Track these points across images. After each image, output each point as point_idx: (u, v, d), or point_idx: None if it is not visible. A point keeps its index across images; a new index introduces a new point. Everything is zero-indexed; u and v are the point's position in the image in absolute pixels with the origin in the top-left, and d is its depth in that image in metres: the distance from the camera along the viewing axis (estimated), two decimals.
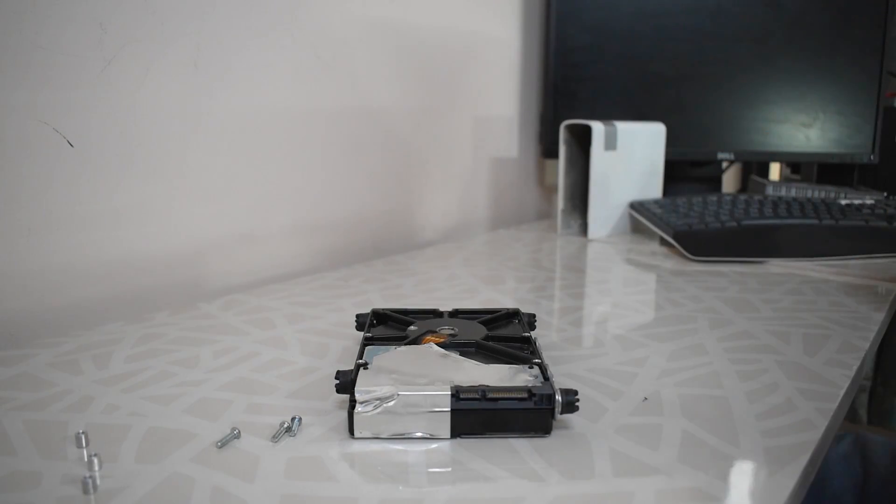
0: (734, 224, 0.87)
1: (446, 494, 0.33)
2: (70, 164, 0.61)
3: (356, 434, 0.39)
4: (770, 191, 1.23)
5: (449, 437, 0.39)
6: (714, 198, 1.04)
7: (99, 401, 0.44)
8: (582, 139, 1.07)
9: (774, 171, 1.90)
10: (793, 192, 1.21)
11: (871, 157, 1.23)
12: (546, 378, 0.41)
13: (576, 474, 0.35)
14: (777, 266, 0.85)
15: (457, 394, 0.38)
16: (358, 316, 0.54)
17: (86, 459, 0.36)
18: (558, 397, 0.39)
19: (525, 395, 0.39)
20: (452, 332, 0.49)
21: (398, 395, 0.38)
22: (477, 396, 0.39)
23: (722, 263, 0.86)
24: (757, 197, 1.04)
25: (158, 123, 0.68)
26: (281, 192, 0.82)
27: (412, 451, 0.38)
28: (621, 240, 1.02)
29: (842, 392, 0.46)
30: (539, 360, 0.43)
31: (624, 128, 1.03)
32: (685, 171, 1.30)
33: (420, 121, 1.02)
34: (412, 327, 0.50)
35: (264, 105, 0.78)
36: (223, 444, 0.38)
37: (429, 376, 0.40)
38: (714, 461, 0.37)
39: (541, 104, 1.29)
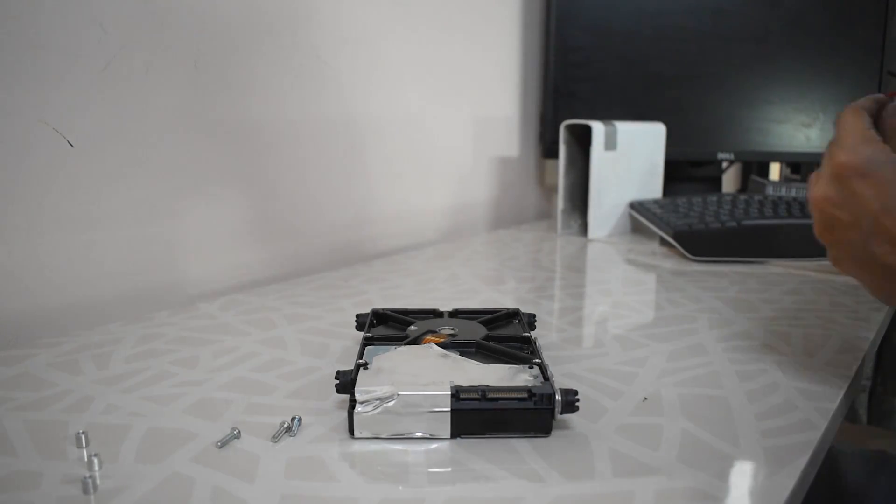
0: (734, 224, 0.87)
1: (446, 494, 0.33)
2: (70, 164, 0.61)
3: (356, 434, 0.39)
4: (770, 191, 1.23)
5: (449, 437, 0.39)
6: (714, 198, 1.04)
7: (99, 401, 0.44)
8: (582, 139, 1.07)
9: (774, 171, 1.90)
10: (793, 192, 1.21)
11: None
12: (546, 378, 0.41)
13: (576, 474, 0.35)
14: (777, 266, 0.85)
15: (457, 394, 0.38)
16: (358, 316, 0.54)
17: (86, 459, 0.36)
18: (558, 397, 0.39)
19: (525, 395, 0.39)
20: (452, 332, 0.49)
21: (398, 395, 0.38)
22: (477, 396, 0.39)
23: (722, 263, 0.86)
24: (757, 197, 1.04)
25: (158, 123, 0.68)
26: (280, 191, 0.82)
27: (412, 451, 0.38)
28: (621, 240, 1.02)
29: (842, 392, 0.46)
30: (539, 360, 0.43)
31: (624, 128, 1.03)
32: (685, 171, 1.30)
33: (420, 120, 1.02)
34: (412, 327, 0.50)
35: (264, 105, 0.78)
36: (223, 444, 0.38)
37: (429, 376, 0.40)
38: (714, 461, 0.37)
39: (541, 104, 1.29)
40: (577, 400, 0.39)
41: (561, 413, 0.39)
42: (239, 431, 0.39)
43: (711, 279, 0.78)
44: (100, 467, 0.35)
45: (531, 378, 0.41)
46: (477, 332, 0.49)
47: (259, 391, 0.46)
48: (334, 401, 0.44)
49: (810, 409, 0.43)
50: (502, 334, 0.49)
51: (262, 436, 0.39)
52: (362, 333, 0.50)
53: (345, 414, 0.42)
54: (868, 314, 0.64)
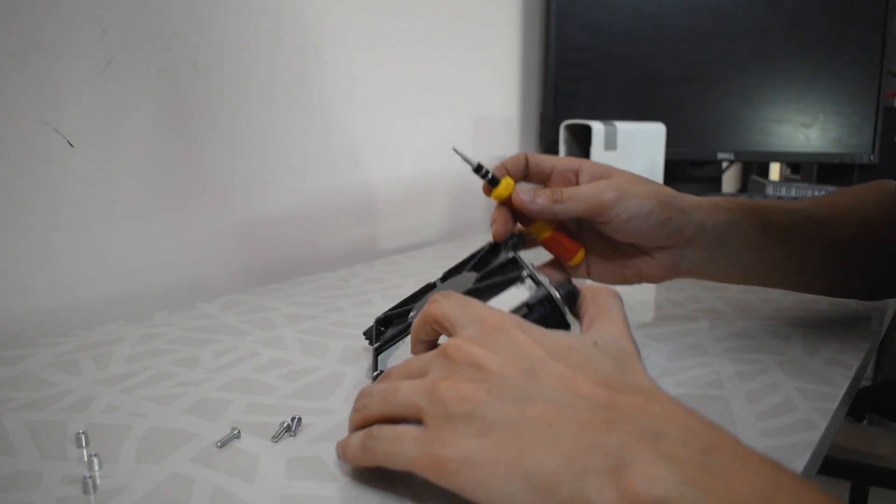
0: None
1: (446, 494, 0.33)
2: (70, 164, 0.61)
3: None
4: (770, 191, 1.23)
5: None
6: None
7: (99, 401, 0.44)
8: (582, 139, 1.06)
9: (774, 171, 1.90)
10: (793, 192, 1.21)
11: (871, 157, 1.23)
12: (537, 283, 0.40)
13: None
14: None
15: None
16: (365, 333, 0.54)
17: (86, 459, 0.36)
18: (556, 294, 0.38)
19: (525, 310, 0.38)
20: None
21: None
22: None
23: None
24: (757, 197, 1.04)
25: (158, 124, 0.68)
26: (279, 191, 0.82)
27: None
28: None
29: (842, 392, 0.46)
30: (529, 272, 0.41)
31: (624, 128, 1.03)
32: (685, 171, 1.30)
33: (421, 120, 1.02)
34: (412, 313, 0.50)
35: (264, 105, 0.78)
36: (223, 444, 0.38)
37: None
38: None
39: (541, 104, 1.29)
40: (575, 288, 0.38)
41: (567, 306, 0.37)
42: (239, 431, 0.39)
43: None
44: (100, 467, 0.35)
45: (528, 291, 0.40)
46: (469, 281, 0.48)
47: (259, 391, 0.46)
48: (334, 401, 0.44)
49: (810, 409, 0.43)
50: (491, 268, 0.48)
51: (262, 436, 0.39)
52: (372, 346, 0.49)
53: (345, 414, 0.42)
54: (868, 314, 0.64)
